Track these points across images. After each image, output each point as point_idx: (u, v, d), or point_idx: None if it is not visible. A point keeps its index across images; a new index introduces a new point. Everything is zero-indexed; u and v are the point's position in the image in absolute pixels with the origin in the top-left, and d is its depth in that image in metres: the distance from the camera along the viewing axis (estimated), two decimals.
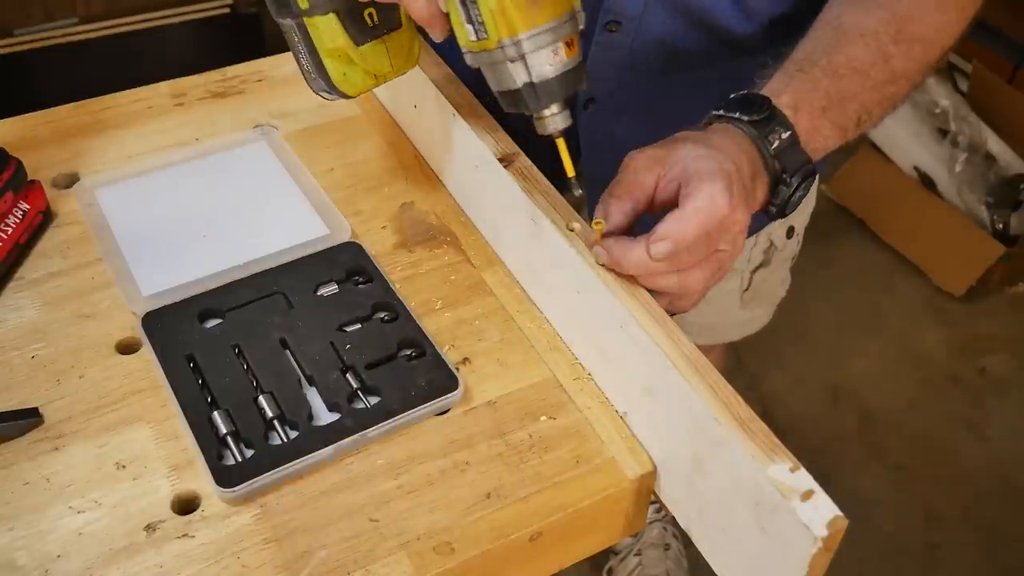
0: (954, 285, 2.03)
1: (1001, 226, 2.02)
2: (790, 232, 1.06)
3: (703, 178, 0.58)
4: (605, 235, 0.60)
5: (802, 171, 0.64)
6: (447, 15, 0.59)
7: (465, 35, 0.58)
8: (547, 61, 0.56)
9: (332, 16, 0.62)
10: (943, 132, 2.07)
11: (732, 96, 0.66)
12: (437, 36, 0.62)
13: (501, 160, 0.68)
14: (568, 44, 0.57)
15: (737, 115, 0.64)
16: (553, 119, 0.59)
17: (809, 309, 1.92)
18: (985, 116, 2.07)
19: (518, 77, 0.57)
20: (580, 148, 0.86)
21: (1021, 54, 2.08)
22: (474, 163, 0.72)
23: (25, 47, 1.97)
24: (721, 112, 0.65)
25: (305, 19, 0.63)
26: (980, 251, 2.00)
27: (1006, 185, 2.03)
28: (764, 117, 0.63)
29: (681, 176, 0.59)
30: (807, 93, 0.66)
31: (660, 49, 0.79)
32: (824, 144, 0.67)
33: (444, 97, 0.73)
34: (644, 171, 0.61)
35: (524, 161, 0.68)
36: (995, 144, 2.05)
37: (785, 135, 0.64)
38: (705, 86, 0.73)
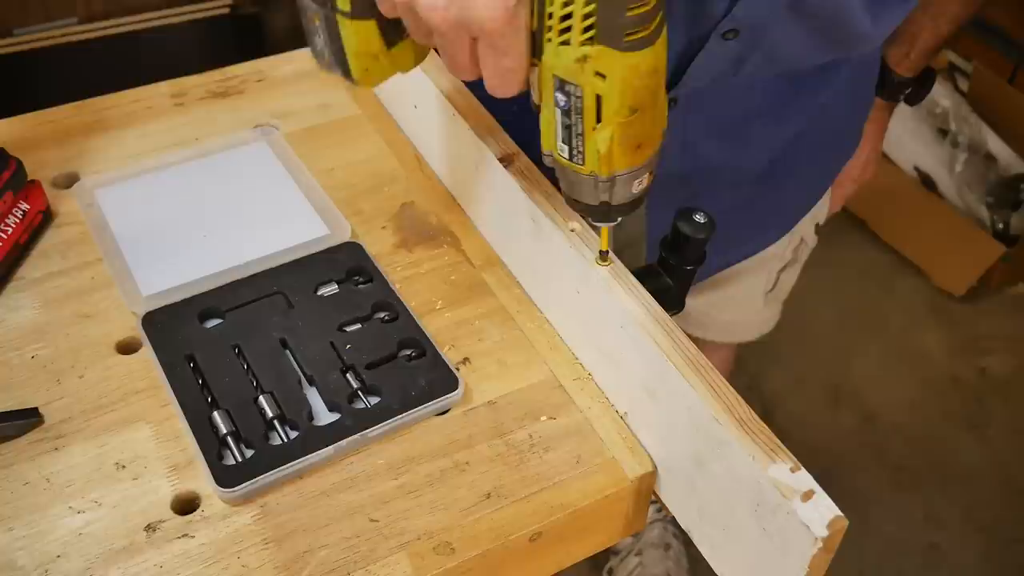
0: (954, 285, 2.03)
1: (1001, 226, 2.02)
2: (817, 228, 1.07)
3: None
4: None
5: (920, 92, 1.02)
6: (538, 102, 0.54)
7: (553, 143, 0.54)
8: (630, 189, 0.55)
9: (372, 23, 0.57)
10: (943, 132, 2.07)
11: (881, 83, 0.98)
12: (500, 93, 0.54)
13: (501, 160, 0.68)
14: (651, 173, 0.55)
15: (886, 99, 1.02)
16: (610, 222, 0.59)
17: (809, 309, 1.92)
18: (985, 116, 2.07)
19: (598, 197, 0.55)
20: None
21: (1021, 54, 2.08)
22: (474, 163, 0.72)
23: (25, 47, 1.97)
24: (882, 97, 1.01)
25: (339, 18, 0.57)
26: (980, 251, 1.99)
27: (1006, 185, 2.02)
28: (898, 94, 1.00)
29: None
30: (924, 55, 0.97)
31: (771, 55, 0.77)
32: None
33: (444, 97, 0.73)
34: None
35: (524, 161, 0.68)
36: (995, 144, 2.05)
37: (908, 91, 1.01)
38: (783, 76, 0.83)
